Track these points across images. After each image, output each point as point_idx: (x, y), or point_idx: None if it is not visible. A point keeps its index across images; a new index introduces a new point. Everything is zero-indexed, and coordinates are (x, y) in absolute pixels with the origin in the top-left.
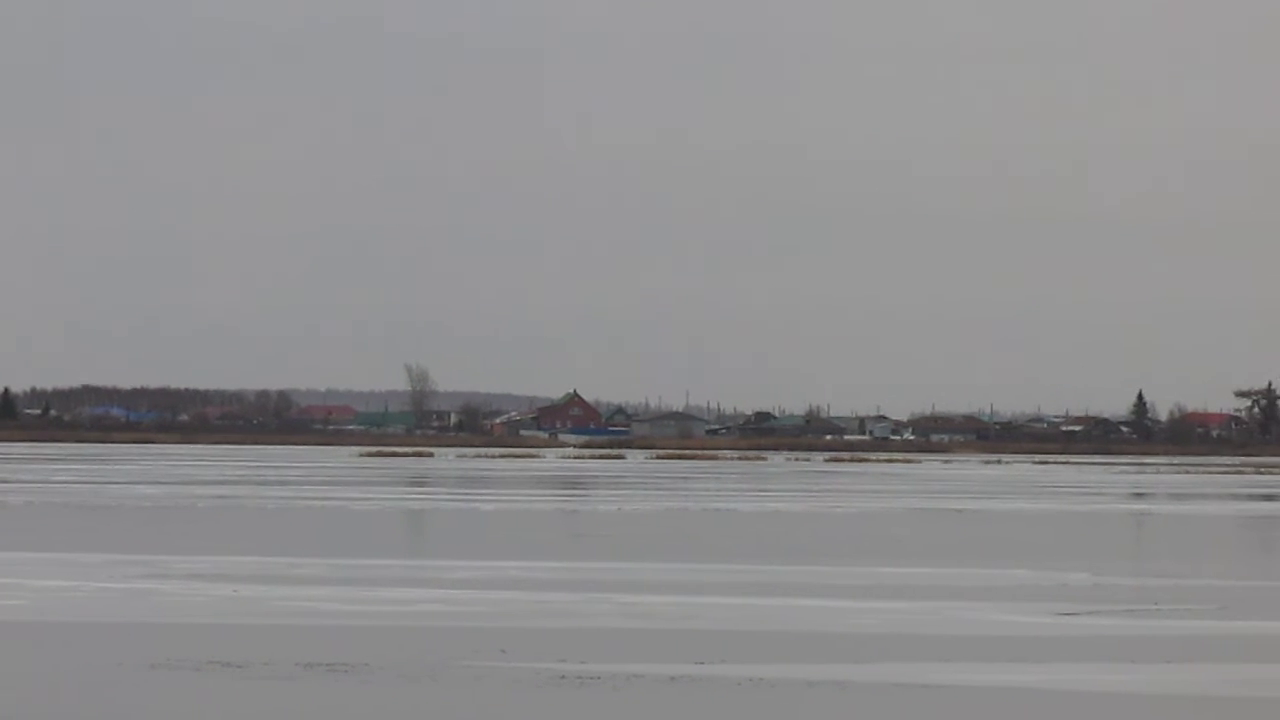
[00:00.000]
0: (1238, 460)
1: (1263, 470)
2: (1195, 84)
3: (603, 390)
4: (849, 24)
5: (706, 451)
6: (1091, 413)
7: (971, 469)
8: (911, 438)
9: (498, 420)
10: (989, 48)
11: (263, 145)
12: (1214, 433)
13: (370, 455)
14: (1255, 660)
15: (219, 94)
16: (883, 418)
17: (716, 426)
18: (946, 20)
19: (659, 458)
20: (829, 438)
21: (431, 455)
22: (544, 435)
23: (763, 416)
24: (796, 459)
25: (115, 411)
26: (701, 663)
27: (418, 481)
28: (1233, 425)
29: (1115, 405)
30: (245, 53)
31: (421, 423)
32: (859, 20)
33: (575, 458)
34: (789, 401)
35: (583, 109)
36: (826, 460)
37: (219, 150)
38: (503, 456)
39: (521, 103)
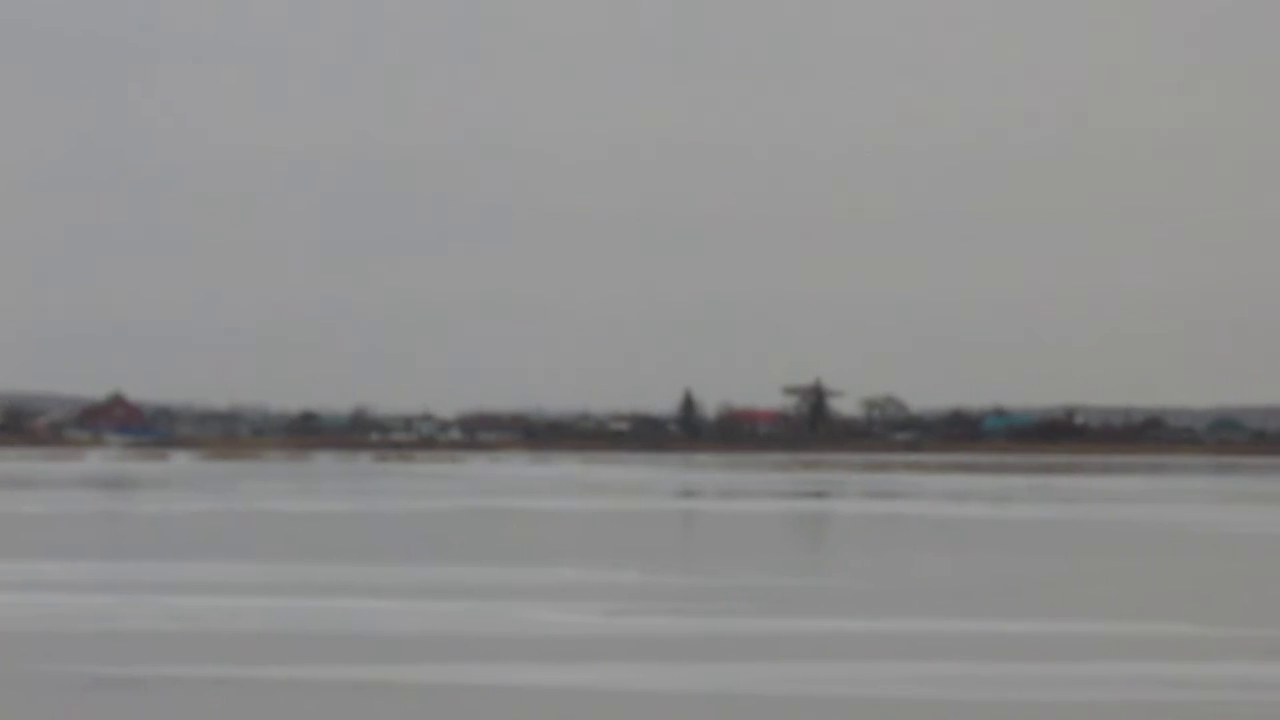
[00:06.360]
0: (785, 457)
1: (809, 467)
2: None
3: (147, 391)
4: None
5: (252, 452)
6: (640, 411)
7: (519, 468)
8: (458, 436)
9: (40, 420)
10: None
11: None
12: (762, 430)
13: None
14: (802, 658)
15: None
16: (429, 416)
17: (262, 427)
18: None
19: (204, 459)
20: (375, 437)
21: None
22: (87, 436)
23: (308, 417)
24: (343, 459)
25: None
26: (244, 664)
27: None
28: (782, 422)
29: (664, 403)
30: None
31: None
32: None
33: (119, 459)
34: (335, 401)
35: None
36: (373, 460)
37: None
38: (45, 458)
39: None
